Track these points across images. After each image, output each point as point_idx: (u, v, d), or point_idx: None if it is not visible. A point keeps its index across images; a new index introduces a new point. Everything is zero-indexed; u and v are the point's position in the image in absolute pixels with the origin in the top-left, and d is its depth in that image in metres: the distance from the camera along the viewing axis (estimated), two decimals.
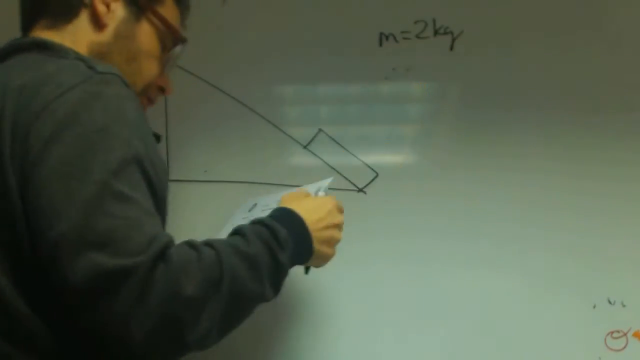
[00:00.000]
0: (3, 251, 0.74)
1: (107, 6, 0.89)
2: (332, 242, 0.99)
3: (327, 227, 0.97)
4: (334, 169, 1.38)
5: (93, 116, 0.73)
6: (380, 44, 1.37)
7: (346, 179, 1.37)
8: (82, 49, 0.87)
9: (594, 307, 1.30)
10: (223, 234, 1.17)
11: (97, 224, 0.69)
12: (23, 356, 0.74)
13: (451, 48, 1.35)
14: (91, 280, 0.67)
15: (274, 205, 1.04)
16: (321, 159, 1.38)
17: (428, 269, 1.34)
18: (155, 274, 0.69)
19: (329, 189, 1.28)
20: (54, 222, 0.69)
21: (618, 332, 1.29)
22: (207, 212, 1.33)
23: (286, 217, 0.91)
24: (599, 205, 1.30)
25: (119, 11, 0.90)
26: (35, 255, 0.72)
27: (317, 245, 0.94)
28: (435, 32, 1.35)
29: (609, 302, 1.30)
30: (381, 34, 1.36)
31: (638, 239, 1.28)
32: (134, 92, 0.81)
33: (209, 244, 0.77)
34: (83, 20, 0.89)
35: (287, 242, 0.85)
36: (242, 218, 1.18)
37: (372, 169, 1.37)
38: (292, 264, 0.88)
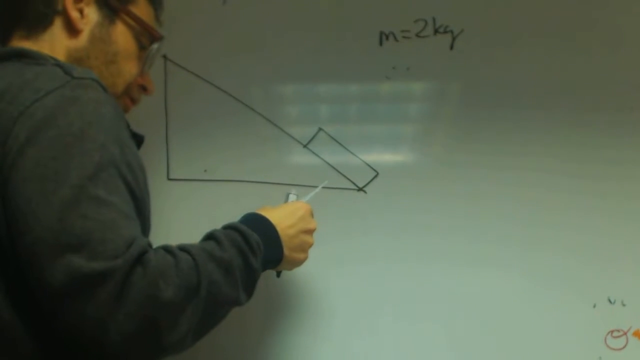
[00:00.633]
0: None
1: (81, 11, 0.90)
2: (305, 247, 1.02)
3: (299, 233, 1.00)
4: (334, 168, 1.38)
5: (69, 120, 0.74)
6: (381, 43, 1.36)
7: (346, 178, 1.37)
8: (60, 55, 0.88)
9: (594, 306, 1.30)
10: None
11: (74, 227, 0.69)
12: None
13: (451, 47, 1.35)
14: (68, 283, 0.68)
15: None
16: (321, 158, 1.38)
17: (428, 268, 1.34)
18: (133, 278, 0.69)
19: (328, 188, 1.29)
20: (30, 225, 0.70)
21: (618, 331, 1.29)
22: (207, 212, 1.33)
23: (258, 223, 0.92)
24: (600, 204, 1.30)
25: (92, 15, 0.91)
26: (16, 259, 0.73)
27: (287, 251, 0.96)
28: (436, 31, 1.35)
29: (609, 302, 1.30)
30: (381, 33, 1.36)
31: (638, 239, 1.28)
32: (111, 96, 0.81)
33: (184, 249, 0.77)
34: (58, 27, 0.90)
35: (259, 247, 0.87)
36: None
37: (373, 168, 1.37)
38: (264, 269, 0.90)
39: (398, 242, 1.34)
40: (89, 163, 0.72)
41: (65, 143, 0.73)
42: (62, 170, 0.71)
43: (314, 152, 1.38)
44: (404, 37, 1.36)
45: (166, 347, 0.73)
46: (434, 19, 1.35)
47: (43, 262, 0.69)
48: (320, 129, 1.38)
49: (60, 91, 0.76)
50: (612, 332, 1.29)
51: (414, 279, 1.33)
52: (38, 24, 0.89)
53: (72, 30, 0.89)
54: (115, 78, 0.92)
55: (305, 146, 1.38)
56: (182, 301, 0.73)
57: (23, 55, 0.84)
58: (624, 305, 1.29)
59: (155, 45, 0.98)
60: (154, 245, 0.78)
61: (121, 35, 0.93)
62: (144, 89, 1.01)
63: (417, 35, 1.35)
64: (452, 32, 1.34)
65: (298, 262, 1.02)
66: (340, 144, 1.38)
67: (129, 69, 0.95)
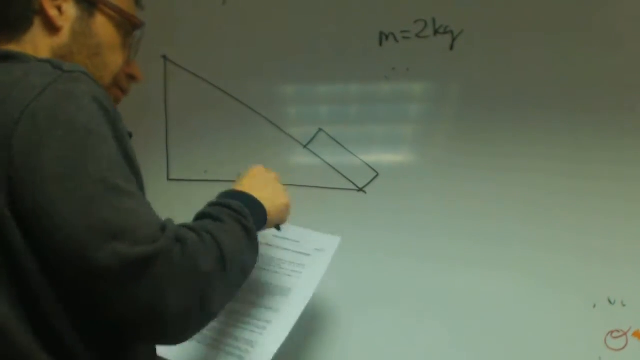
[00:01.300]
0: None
1: (59, 9, 0.90)
2: (279, 192, 1.05)
3: (265, 186, 1.02)
4: (334, 168, 1.38)
5: (71, 116, 0.75)
6: (380, 44, 1.36)
7: (346, 178, 1.37)
8: (44, 54, 0.88)
9: (594, 306, 1.30)
10: None
11: (108, 219, 0.71)
12: None
13: (451, 47, 1.35)
14: (120, 269, 0.70)
15: (269, 236, 1.11)
16: (321, 159, 1.38)
17: (428, 268, 1.34)
18: (176, 257, 0.73)
19: (328, 188, 1.29)
20: (59, 224, 0.71)
21: (618, 331, 1.29)
22: None
23: (228, 194, 0.96)
24: (599, 204, 1.29)
25: (71, 11, 0.90)
26: (39, 261, 0.74)
27: (266, 203, 0.98)
28: (435, 32, 1.35)
29: (609, 302, 1.29)
30: (381, 33, 1.36)
31: (638, 239, 1.28)
32: (102, 87, 0.82)
33: (198, 227, 0.81)
34: (38, 27, 0.90)
35: (245, 211, 0.90)
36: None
37: (373, 169, 1.37)
38: (258, 228, 0.93)
39: (398, 242, 1.34)
40: (102, 156, 0.75)
41: (74, 141, 0.74)
42: (80, 168, 0.73)
43: (314, 153, 1.38)
44: (404, 37, 1.36)
45: (211, 316, 0.79)
46: (434, 20, 1.35)
47: (87, 254, 0.70)
48: (320, 130, 1.38)
49: (54, 86, 0.76)
50: (612, 332, 1.29)
51: (413, 279, 1.33)
52: (19, 27, 0.89)
53: (52, 28, 0.89)
54: (101, 70, 0.92)
55: (305, 146, 1.38)
56: (217, 271, 0.78)
57: (8, 57, 0.84)
58: (624, 305, 1.29)
59: (137, 33, 0.97)
60: None
61: (102, 27, 0.93)
62: (132, 77, 1.01)
63: (417, 35, 1.35)
64: (452, 32, 1.34)
65: (284, 208, 1.05)
66: (340, 144, 1.38)
67: (114, 59, 0.95)
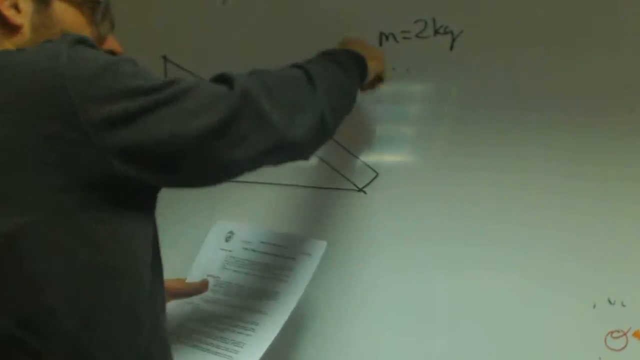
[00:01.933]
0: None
1: (15, 7, 0.89)
2: (370, 48, 1.19)
3: (357, 43, 1.17)
4: (334, 168, 1.38)
5: (105, 61, 0.81)
6: (380, 44, 1.37)
7: (346, 178, 1.37)
8: None
9: (594, 306, 1.30)
10: (196, 265, 1.19)
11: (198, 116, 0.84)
12: None
13: (451, 48, 1.35)
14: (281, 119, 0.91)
15: (256, 242, 1.08)
16: (321, 159, 1.38)
17: (428, 269, 1.34)
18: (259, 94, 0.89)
19: (329, 188, 1.29)
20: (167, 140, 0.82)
21: (618, 331, 1.29)
22: (207, 212, 1.33)
23: (328, 51, 1.13)
24: (600, 205, 1.29)
25: (27, 6, 0.90)
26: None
27: (363, 52, 1.13)
28: (435, 32, 1.35)
29: (609, 302, 1.29)
30: (381, 33, 1.36)
31: (638, 239, 1.28)
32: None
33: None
34: None
35: (337, 51, 1.10)
36: (220, 249, 1.19)
37: (372, 169, 1.37)
38: (361, 75, 1.12)
39: (398, 243, 1.34)
40: (152, 77, 0.84)
41: (126, 74, 0.81)
42: (149, 93, 0.81)
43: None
44: (403, 37, 1.36)
45: (331, 129, 1.02)
46: (434, 20, 1.35)
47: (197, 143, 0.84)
48: None
49: (73, 48, 0.80)
50: (612, 332, 1.29)
51: (414, 279, 1.33)
52: None
53: (12, 28, 0.89)
54: None
55: None
56: (313, 87, 0.96)
57: None
58: (623, 305, 1.29)
59: (100, 5, 0.96)
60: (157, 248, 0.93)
61: (62, 12, 0.92)
62: (111, 54, 0.97)
63: (417, 36, 1.35)
64: (452, 32, 1.34)
65: (380, 55, 1.21)
66: (340, 144, 1.38)
67: None
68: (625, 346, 1.29)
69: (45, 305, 0.79)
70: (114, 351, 0.83)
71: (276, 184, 1.37)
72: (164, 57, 1.38)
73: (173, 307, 1.13)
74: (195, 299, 1.14)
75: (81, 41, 0.82)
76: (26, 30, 0.90)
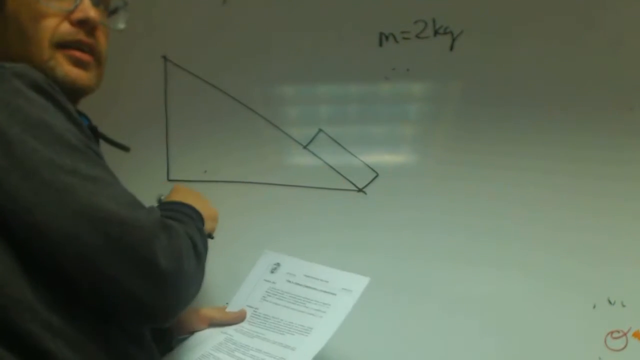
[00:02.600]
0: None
1: None
2: (207, 205, 1.07)
3: (195, 199, 1.04)
4: (334, 169, 1.38)
5: (24, 113, 0.77)
6: (380, 44, 1.37)
7: (346, 179, 1.37)
8: None
9: (594, 307, 1.30)
10: (239, 294, 1.20)
11: (90, 204, 0.75)
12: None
13: (451, 48, 1.35)
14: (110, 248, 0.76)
15: (300, 275, 1.14)
16: (321, 159, 1.38)
17: (429, 269, 1.33)
18: (162, 242, 0.78)
19: (329, 189, 1.28)
20: (42, 217, 0.74)
21: (618, 332, 1.29)
22: None
23: (171, 203, 1.01)
24: (600, 204, 1.29)
25: None
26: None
27: (200, 209, 1.02)
28: (435, 32, 1.35)
29: (609, 302, 1.29)
30: (381, 34, 1.36)
31: (638, 239, 1.28)
32: (43, 77, 0.82)
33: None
34: None
35: (195, 214, 0.98)
36: (264, 280, 1.19)
37: (372, 169, 1.37)
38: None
39: (398, 243, 1.34)
40: (66, 145, 0.78)
41: (33, 135, 0.76)
42: (48, 160, 0.76)
43: (314, 153, 1.38)
44: (403, 38, 1.36)
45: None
46: (433, 20, 1.35)
47: (74, 241, 0.74)
48: (320, 130, 1.38)
49: (0, 86, 0.77)
50: (612, 332, 1.29)
51: (414, 279, 1.33)
52: None
53: None
54: (33, 45, 0.89)
55: (305, 147, 1.38)
56: (194, 266, 0.86)
57: None
58: (623, 306, 1.29)
59: None
60: None
61: (16, 9, 0.90)
62: (83, 24, 0.92)
63: (417, 36, 1.35)
64: (452, 33, 1.34)
65: (215, 216, 1.10)
66: (340, 144, 1.38)
67: (41, 27, 0.90)
68: (625, 346, 1.29)
69: None
70: None
71: (277, 184, 1.37)
72: (164, 57, 1.38)
73: (207, 335, 1.13)
74: (230, 329, 1.14)
75: (20, 72, 0.80)
76: None
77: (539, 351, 1.30)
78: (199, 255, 0.87)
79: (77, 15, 0.91)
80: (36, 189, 0.74)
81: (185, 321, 1.12)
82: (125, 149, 1.07)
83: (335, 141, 1.38)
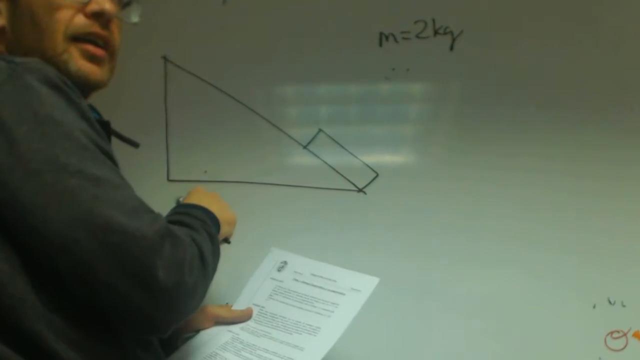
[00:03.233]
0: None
1: None
2: (225, 208, 1.07)
3: (212, 202, 1.03)
4: (334, 169, 1.38)
5: (34, 110, 0.75)
6: (380, 44, 1.37)
7: (346, 179, 1.37)
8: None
9: (594, 307, 1.30)
10: (245, 292, 1.19)
11: (94, 208, 0.73)
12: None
13: (451, 48, 1.35)
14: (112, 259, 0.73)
15: (307, 274, 1.12)
16: (321, 159, 1.38)
17: (429, 269, 1.33)
18: (165, 251, 0.76)
19: (328, 189, 1.28)
20: (44, 219, 0.73)
21: (618, 332, 1.29)
22: None
23: (186, 206, 0.99)
24: (600, 204, 1.30)
25: (3, 7, 0.89)
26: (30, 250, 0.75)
27: (217, 215, 1.01)
28: (435, 32, 1.35)
29: (609, 302, 1.29)
30: (381, 34, 1.36)
31: (638, 239, 1.28)
32: (56, 72, 0.81)
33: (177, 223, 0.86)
34: None
35: (207, 219, 0.95)
36: (271, 278, 1.19)
37: (372, 169, 1.37)
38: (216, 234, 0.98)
39: (398, 243, 1.34)
40: (75, 145, 0.76)
41: (42, 133, 0.75)
42: (54, 160, 0.74)
43: (314, 153, 1.38)
44: (403, 38, 1.36)
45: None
46: (433, 20, 1.35)
47: (74, 247, 0.73)
48: (320, 130, 1.38)
49: (11, 81, 0.76)
50: (612, 333, 1.29)
51: (414, 279, 1.33)
52: None
53: (1, 32, 0.89)
54: (48, 38, 0.88)
55: (305, 147, 1.38)
56: (201, 276, 0.83)
57: None
58: (623, 306, 1.29)
59: None
60: None
61: (29, 1, 0.89)
62: (98, 16, 0.92)
63: (417, 36, 1.35)
64: (451, 33, 1.34)
65: (232, 220, 1.09)
66: (340, 145, 1.38)
67: (56, 19, 0.89)
68: (625, 346, 1.29)
69: None
70: None
71: (277, 184, 1.37)
72: (164, 57, 1.38)
73: (213, 334, 1.12)
74: (236, 328, 1.13)
75: (33, 68, 0.79)
76: (9, 29, 0.89)
77: (539, 351, 1.30)
78: (205, 263, 0.85)
79: (93, 7, 0.90)
80: (38, 190, 0.73)
81: (191, 319, 1.10)
82: (134, 144, 1.06)
83: (335, 141, 1.38)
